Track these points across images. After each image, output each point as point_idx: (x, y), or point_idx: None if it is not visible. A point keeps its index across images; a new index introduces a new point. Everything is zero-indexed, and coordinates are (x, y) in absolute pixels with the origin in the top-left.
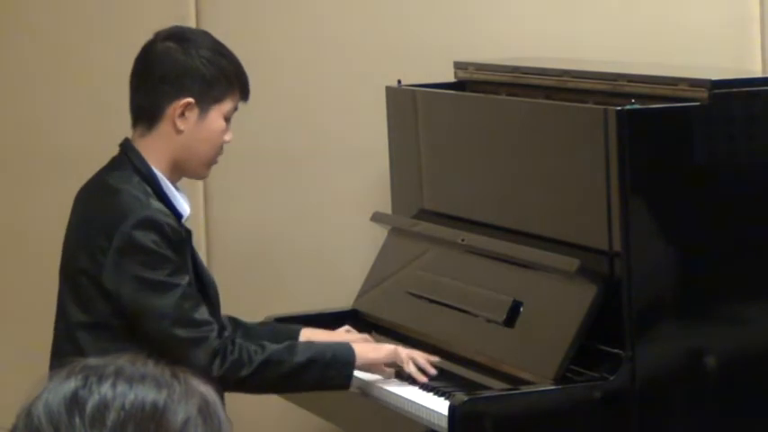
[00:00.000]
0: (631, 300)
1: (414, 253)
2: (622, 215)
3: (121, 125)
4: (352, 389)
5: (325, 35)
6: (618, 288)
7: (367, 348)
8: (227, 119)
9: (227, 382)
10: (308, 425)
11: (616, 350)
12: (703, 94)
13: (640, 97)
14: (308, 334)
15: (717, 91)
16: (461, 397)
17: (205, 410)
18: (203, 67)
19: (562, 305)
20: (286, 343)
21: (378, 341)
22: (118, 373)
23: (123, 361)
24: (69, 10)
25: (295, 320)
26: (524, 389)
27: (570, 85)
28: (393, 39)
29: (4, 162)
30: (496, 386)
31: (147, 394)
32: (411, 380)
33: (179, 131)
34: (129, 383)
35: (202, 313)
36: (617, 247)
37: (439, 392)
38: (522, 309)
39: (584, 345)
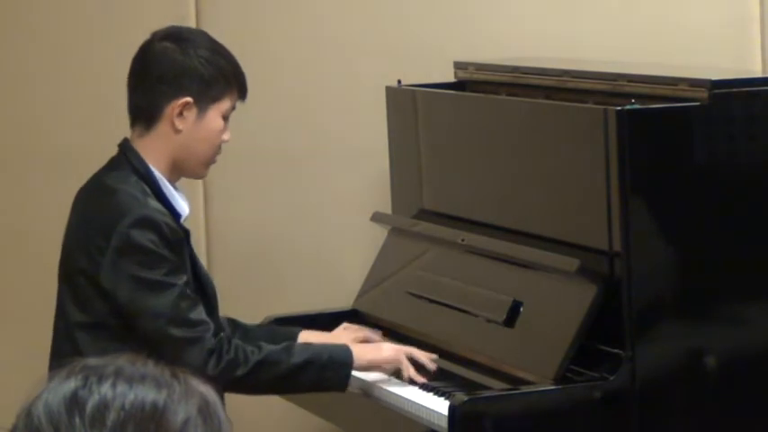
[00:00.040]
0: (631, 300)
1: (414, 253)
2: (622, 215)
3: (121, 125)
4: (353, 389)
5: (325, 35)
6: (618, 288)
7: (365, 350)
8: (226, 118)
9: (223, 382)
10: (308, 425)
11: (616, 350)
12: (703, 94)
13: (640, 97)
14: (306, 336)
15: (717, 91)
16: (461, 397)
17: (205, 410)
18: (201, 66)
19: (562, 305)
20: (283, 344)
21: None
22: (118, 373)
23: (123, 361)
24: (69, 10)
25: (295, 320)
26: (524, 389)
27: (570, 85)
28: (393, 39)
29: (4, 162)
30: (496, 386)
31: (146, 394)
32: (411, 380)
33: (177, 131)
34: (128, 383)
35: (199, 313)
36: (617, 247)
37: (439, 392)
38: (522, 309)
39: (584, 345)
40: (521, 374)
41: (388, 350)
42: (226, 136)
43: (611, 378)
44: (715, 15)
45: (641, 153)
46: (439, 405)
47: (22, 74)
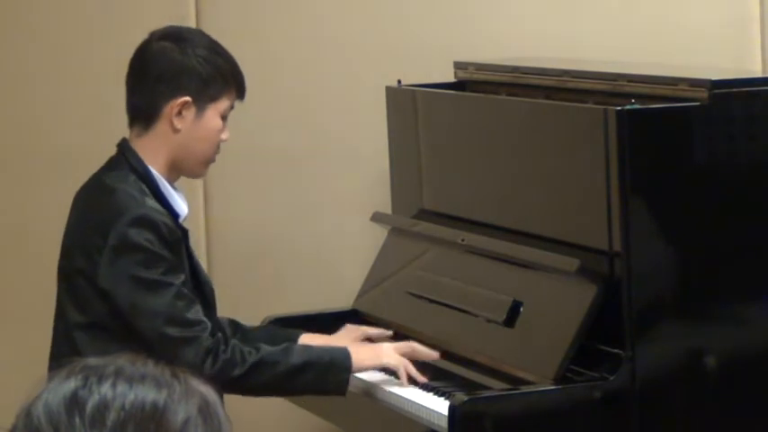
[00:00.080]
0: (631, 300)
1: (414, 253)
2: (622, 215)
3: (121, 125)
4: (353, 389)
5: (325, 35)
6: (618, 288)
7: (364, 356)
8: (224, 118)
9: (220, 382)
10: (308, 425)
11: (616, 350)
12: (703, 94)
13: (640, 97)
14: (307, 339)
15: (717, 91)
16: (461, 397)
17: (205, 410)
18: (199, 65)
19: (562, 305)
20: (282, 345)
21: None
22: (118, 373)
23: (123, 361)
24: (69, 10)
25: (295, 320)
26: (524, 389)
27: (570, 85)
28: (393, 39)
29: (4, 162)
30: (496, 386)
31: (147, 394)
32: (411, 380)
33: (176, 130)
34: (129, 383)
35: (196, 313)
36: (617, 247)
37: (439, 392)
38: (522, 309)
39: (584, 345)
40: (521, 374)
41: (388, 356)
42: (224, 135)
43: (611, 378)
44: (715, 15)
45: (641, 153)
46: (439, 405)
47: (22, 74)
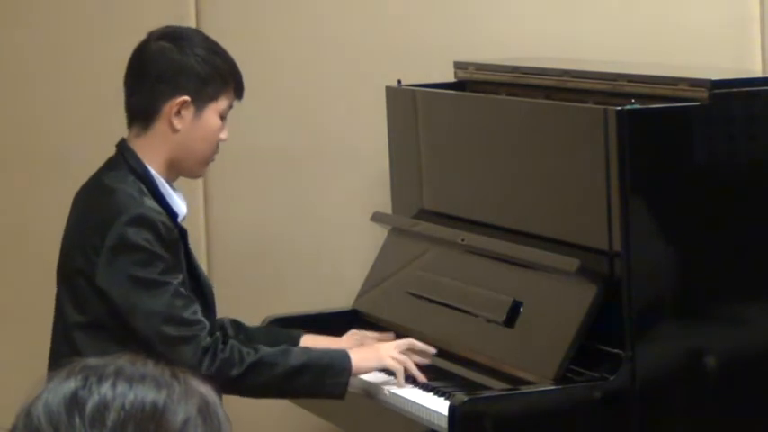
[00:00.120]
0: (631, 300)
1: (414, 253)
2: (622, 215)
3: (121, 125)
4: (353, 389)
5: (325, 35)
6: (618, 288)
7: (364, 357)
8: (223, 117)
9: (218, 382)
10: (308, 425)
11: (616, 350)
12: (703, 94)
13: (640, 97)
14: (309, 341)
15: (717, 91)
16: (461, 397)
17: (205, 410)
18: (198, 65)
19: (562, 305)
20: (282, 346)
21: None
22: (118, 373)
23: (123, 361)
24: (69, 10)
25: (295, 320)
26: (524, 389)
27: (570, 85)
28: (393, 39)
29: (4, 162)
30: (496, 386)
31: (146, 394)
32: (411, 380)
33: (175, 130)
34: (128, 383)
35: (194, 312)
36: (617, 247)
37: (439, 392)
38: (522, 309)
39: (584, 345)
40: (521, 374)
41: (389, 357)
42: (223, 135)
43: (611, 378)
44: (715, 15)
45: (641, 153)
46: (439, 405)
47: (22, 74)
